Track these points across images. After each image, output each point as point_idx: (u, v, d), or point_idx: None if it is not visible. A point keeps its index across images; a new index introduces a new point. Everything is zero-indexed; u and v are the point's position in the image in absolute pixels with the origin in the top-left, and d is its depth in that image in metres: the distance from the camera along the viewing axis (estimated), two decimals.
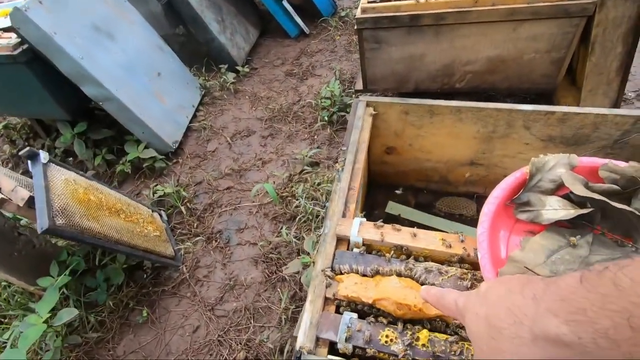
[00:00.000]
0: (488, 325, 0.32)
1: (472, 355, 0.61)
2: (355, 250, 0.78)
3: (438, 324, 0.67)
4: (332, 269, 0.75)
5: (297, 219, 1.74)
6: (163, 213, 1.84)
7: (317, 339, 0.67)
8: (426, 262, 0.73)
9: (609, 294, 0.23)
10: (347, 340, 0.65)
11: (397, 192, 1.33)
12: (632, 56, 1.42)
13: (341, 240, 0.80)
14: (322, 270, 0.74)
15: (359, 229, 0.78)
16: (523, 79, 1.57)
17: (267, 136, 2.27)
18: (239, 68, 2.71)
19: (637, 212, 0.65)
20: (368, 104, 1.08)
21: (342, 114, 2.21)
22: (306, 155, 1.98)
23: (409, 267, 0.71)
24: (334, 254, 0.77)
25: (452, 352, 0.61)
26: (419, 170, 1.26)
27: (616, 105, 1.55)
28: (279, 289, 1.55)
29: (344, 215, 0.83)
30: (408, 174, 1.31)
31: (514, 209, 0.72)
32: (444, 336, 0.64)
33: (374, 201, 1.41)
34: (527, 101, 1.94)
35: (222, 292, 1.59)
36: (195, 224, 1.85)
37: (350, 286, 0.70)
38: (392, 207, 1.32)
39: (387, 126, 1.13)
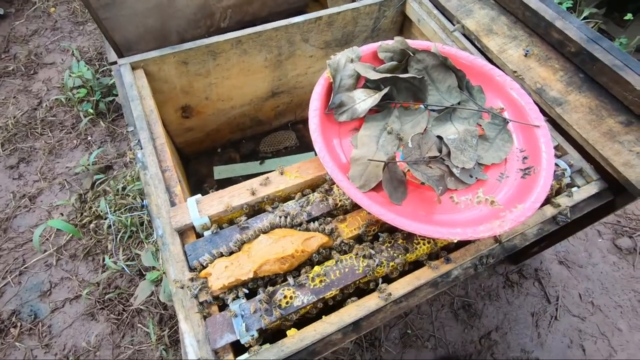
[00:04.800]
0: None
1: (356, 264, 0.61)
2: (207, 233, 0.64)
3: (323, 253, 0.64)
4: (191, 269, 0.60)
5: (118, 238, 1.39)
6: None
7: (216, 352, 0.54)
8: (282, 205, 0.67)
9: None
10: (247, 330, 0.54)
11: (218, 151, 1.20)
12: None
13: (186, 232, 0.64)
14: (174, 281, 0.58)
15: (199, 208, 0.64)
16: (279, 1, 1.59)
17: (15, 164, 1.64)
18: None
19: (417, 76, 0.74)
20: (134, 67, 0.85)
21: (111, 98, 1.79)
22: (88, 164, 1.54)
23: (270, 221, 0.64)
24: (185, 251, 0.61)
25: (343, 271, 0.60)
26: (227, 122, 1.15)
27: None
28: (139, 325, 1.26)
29: (173, 204, 0.66)
30: (219, 131, 1.18)
31: (334, 114, 0.73)
32: (331, 261, 0.62)
33: (198, 176, 1.24)
34: None
35: None
36: None
37: (222, 274, 0.57)
38: (220, 172, 1.19)
39: (170, 86, 0.94)
